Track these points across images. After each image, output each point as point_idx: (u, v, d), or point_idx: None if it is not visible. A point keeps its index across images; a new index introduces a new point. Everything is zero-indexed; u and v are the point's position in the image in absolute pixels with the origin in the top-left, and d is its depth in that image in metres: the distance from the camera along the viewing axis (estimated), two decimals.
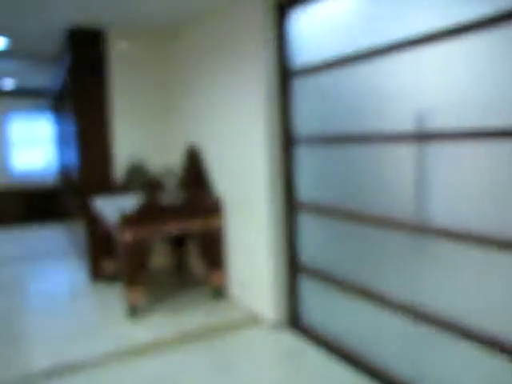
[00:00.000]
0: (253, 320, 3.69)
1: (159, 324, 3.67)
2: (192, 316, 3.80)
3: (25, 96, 8.76)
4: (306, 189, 3.30)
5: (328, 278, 3.09)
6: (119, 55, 4.76)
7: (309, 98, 3.18)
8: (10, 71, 6.40)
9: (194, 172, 4.43)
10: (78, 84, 4.63)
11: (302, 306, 3.46)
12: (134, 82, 4.86)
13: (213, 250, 4.08)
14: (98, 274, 4.82)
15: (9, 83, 7.99)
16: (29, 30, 4.70)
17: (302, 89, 3.24)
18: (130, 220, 3.63)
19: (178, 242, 5.05)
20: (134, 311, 3.77)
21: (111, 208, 4.02)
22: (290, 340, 3.34)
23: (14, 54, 5.63)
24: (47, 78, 6.88)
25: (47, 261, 6.10)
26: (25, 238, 7.70)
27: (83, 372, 2.97)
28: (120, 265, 3.76)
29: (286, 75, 3.34)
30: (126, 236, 3.62)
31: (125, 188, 4.78)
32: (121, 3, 3.88)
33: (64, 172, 7.10)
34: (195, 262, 4.81)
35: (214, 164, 4.25)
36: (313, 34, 3.08)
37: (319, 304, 3.28)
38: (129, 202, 4.12)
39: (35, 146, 9.02)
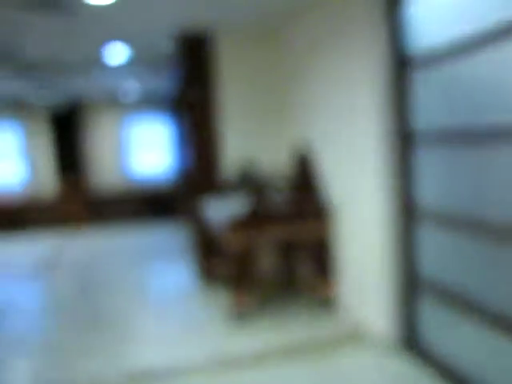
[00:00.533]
0: (362, 337, 3.41)
1: (263, 333, 3.55)
2: (297, 327, 3.62)
3: (145, 101, 9.37)
4: (427, 194, 2.93)
5: (455, 298, 2.69)
6: (226, 57, 4.78)
7: (431, 91, 2.80)
8: (131, 78, 6.83)
9: (304, 174, 4.26)
10: (188, 87, 4.73)
11: (420, 326, 3.08)
12: (241, 84, 4.85)
13: (321, 258, 3.87)
14: (205, 275, 4.87)
15: (131, 89, 8.58)
16: (142, 37, 4.94)
17: (422, 81, 2.87)
18: (238, 225, 3.57)
19: (286, 248, 4.92)
20: (238, 318, 3.71)
21: (218, 211, 4.01)
22: (404, 364, 2.99)
23: (134, 62, 5.98)
24: (165, 83, 7.22)
25: (160, 260, 6.36)
26: (140, 238, 8.16)
27: (182, 377, 2.96)
28: (226, 269, 3.74)
29: (402, 65, 3.01)
30: (234, 241, 3.56)
31: (233, 190, 4.77)
32: (225, 3, 3.86)
33: (178, 174, 7.40)
34: (303, 270, 4.64)
35: (324, 166, 4.03)
36: (433, 14, 2.71)
37: (442, 326, 2.88)
38: (236, 205, 4.08)
39: (154, 150, 9.59)
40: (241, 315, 3.71)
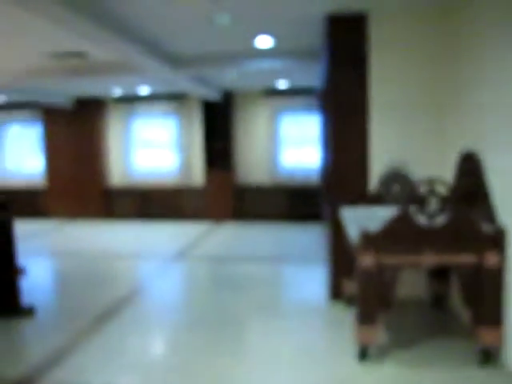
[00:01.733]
0: None
1: (391, 378, 2.92)
2: (439, 380, 2.90)
3: (295, 95, 9.08)
4: None
5: None
6: (381, 43, 4.13)
7: None
8: (277, 70, 6.58)
9: (468, 187, 3.45)
10: (336, 77, 4.22)
11: None
12: (396, 74, 4.16)
13: (485, 295, 3.04)
14: (336, 291, 4.35)
15: (281, 83, 8.37)
16: (290, 26, 4.62)
17: None
18: (373, 240, 2.98)
19: (437, 272, 4.12)
20: (363, 353, 3.12)
21: (356, 221, 3.45)
22: None
23: (279, 53, 5.74)
24: (314, 75, 6.82)
25: (296, 263, 6.04)
26: (282, 237, 7.93)
27: None
28: (356, 291, 3.18)
29: None
30: (366, 259, 2.98)
31: (378, 199, 4.14)
32: None
33: (321, 174, 6.95)
34: (458, 302, 3.81)
35: (497, 180, 3.17)
36: None
37: None
38: (378, 217, 3.47)
39: (303, 145, 9.27)
40: (366, 351, 3.12)
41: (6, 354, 3.49)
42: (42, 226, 9.51)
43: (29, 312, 4.29)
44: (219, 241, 7.66)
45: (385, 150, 4.20)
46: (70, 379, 3.07)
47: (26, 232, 8.64)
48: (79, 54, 5.76)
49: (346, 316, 3.96)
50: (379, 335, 3.17)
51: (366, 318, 3.04)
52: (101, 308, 4.45)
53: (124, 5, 3.96)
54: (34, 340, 3.88)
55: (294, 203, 9.26)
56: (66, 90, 8.89)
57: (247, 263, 6.05)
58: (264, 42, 5.23)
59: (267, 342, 3.59)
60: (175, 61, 6.03)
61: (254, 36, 5.09)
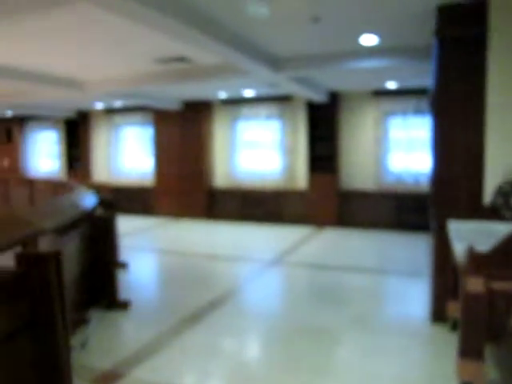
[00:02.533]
0: None
1: None
2: None
3: (405, 95, 8.56)
4: None
5: None
6: (505, 35, 3.64)
7: None
8: (384, 70, 6.21)
9: None
10: (446, 74, 3.83)
11: None
12: None
13: None
14: (440, 313, 3.95)
15: (389, 83, 7.93)
16: (396, 22, 4.34)
17: None
18: (483, 261, 2.60)
19: None
20: None
21: (465, 237, 3.07)
22: None
23: (385, 51, 5.43)
24: (426, 75, 6.34)
25: (399, 276, 5.66)
26: (386, 247, 7.51)
27: None
28: (460, 318, 2.81)
29: None
30: (473, 283, 2.62)
31: (494, 213, 3.67)
32: None
33: (430, 182, 6.43)
34: None
35: None
36: None
37: None
38: (493, 234, 3.05)
39: (413, 150, 8.71)
40: None
41: (98, 345, 3.66)
42: (148, 223, 10.05)
43: (124, 306, 4.49)
44: (319, 247, 7.46)
45: (503, 158, 3.71)
46: (152, 378, 3.12)
47: (133, 228, 9.19)
48: (183, 59, 5.96)
49: (450, 343, 3.56)
50: (486, 372, 2.77)
51: (469, 351, 2.67)
52: (194, 307, 4.51)
53: (225, 10, 4.01)
54: (126, 334, 4.06)
55: (401, 211, 8.73)
56: (173, 94, 9.31)
57: (347, 272, 5.79)
58: (368, 40, 4.98)
59: (359, 362, 3.35)
60: (277, 62, 5.98)
61: (357, 34, 4.86)
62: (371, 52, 5.48)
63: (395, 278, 5.62)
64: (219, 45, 4.45)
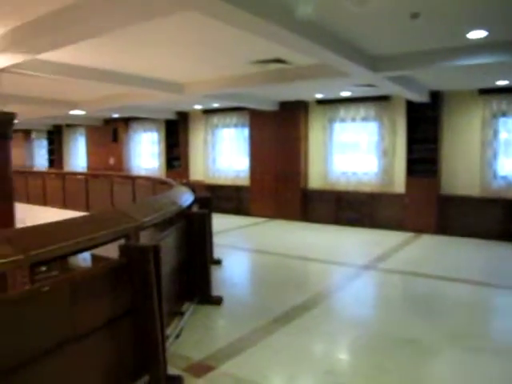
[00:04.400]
0: None
1: None
2: None
3: None
4: None
5: None
6: None
7: None
8: (492, 66, 5.84)
9: None
10: None
11: None
12: None
13: None
14: None
15: (499, 80, 7.44)
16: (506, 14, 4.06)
17: None
18: None
19: None
20: None
21: None
22: None
23: (493, 47, 5.12)
24: None
25: (506, 290, 5.30)
26: (493, 258, 7.07)
27: None
28: None
29: None
30: None
31: None
32: None
33: None
34: None
35: None
36: None
37: None
38: None
39: None
40: None
41: (191, 337, 3.88)
42: (242, 223, 10.35)
43: (217, 302, 4.70)
44: (417, 254, 7.21)
45: None
46: (241, 374, 3.25)
47: (227, 227, 9.52)
48: (280, 61, 6.10)
49: None
50: None
51: None
52: (284, 308, 4.61)
53: (325, 11, 4.06)
54: (218, 329, 4.27)
55: (510, 220, 8.14)
56: (269, 95, 9.52)
57: (447, 283, 5.54)
58: (475, 35, 4.74)
59: (457, 382, 3.21)
60: (376, 62, 5.89)
61: (461, 29, 4.66)
62: (478, 48, 5.20)
63: (504, 293, 5.26)
64: (318, 47, 4.52)
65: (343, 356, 3.75)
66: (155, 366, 2.99)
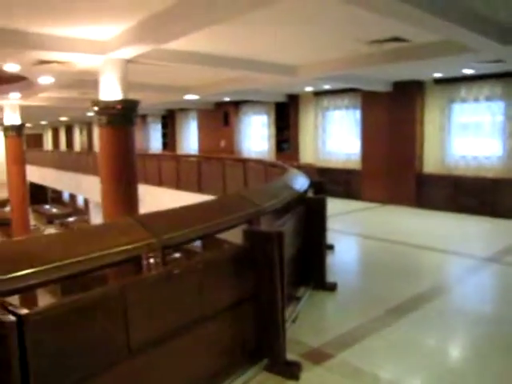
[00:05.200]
0: None
1: None
2: None
3: None
4: None
5: None
6: None
7: None
8: None
9: None
10: None
11: None
12: None
13: None
14: None
15: None
16: None
17: None
18: None
19: None
20: None
21: None
22: None
23: None
24: None
25: None
26: None
27: None
28: None
29: None
30: None
31: None
32: None
33: None
34: None
35: None
36: None
37: None
38: None
39: None
40: None
41: (306, 323, 3.90)
42: (352, 207, 10.16)
43: (331, 288, 4.67)
44: None
45: None
46: (358, 364, 3.20)
47: (337, 211, 9.40)
48: (397, 39, 5.81)
49: None
50: None
51: None
52: (399, 299, 4.46)
53: None
54: (333, 316, 4.25)
55: None
56: (383, 75, 9.15)
57: None
58: None
59: None
60: (508, 34, 5.36)
61: None
62: None
63: None
64: (447, 23, 4.22)
65: (462, 354, 3.56)
66: (275, 351, 3.05)
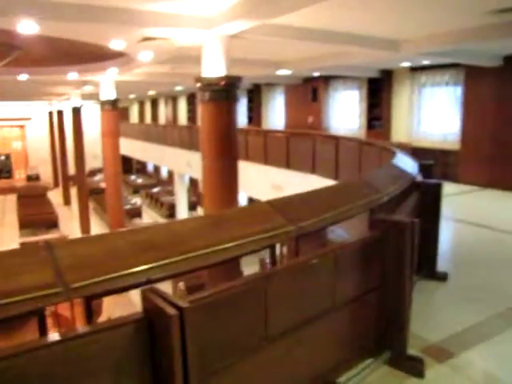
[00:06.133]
0: None
1: None
2: None
3: None
4: None
5: None
6: None
7: None
8: None
9: None
10: None
11: None
12: None
13: None
14: None
15: None
16: None
17: None
18: None
19: None
20: None
21: None
22: None
23: None
24: None
25: None
26: None
27: None
28: None
29: None
30: None
31: None
32: None
33: None
34: None
35: None
36: None
37: None
38: None
39: None
40: None
41: (421, 315, 3.71)
42: (451, 190, 9.60)
43: (443, 278, 4.43)
44: None
45: None
46: (490, 369, 2.99)
47: None
48: None
49: None
50: None
51: None
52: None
53: None
54: (447, 309, 3.99)
55: None
56: (493, 49, 8.43)
57: None
58: None
59: None
60: None
61: None
62: None
63: None
64: None
65: None
66: (398, 344, 2.93)
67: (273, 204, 2.35)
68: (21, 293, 1.52)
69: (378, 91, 12.27)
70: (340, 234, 3.93)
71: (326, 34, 6.79)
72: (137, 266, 1.74)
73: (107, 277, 1.66)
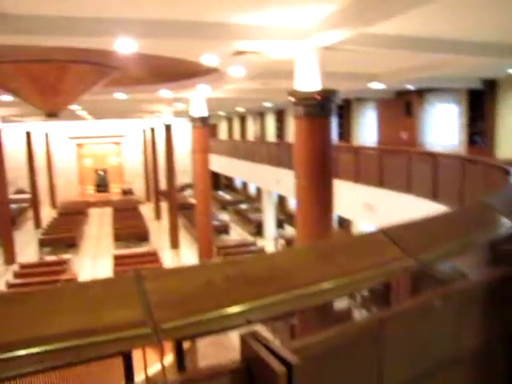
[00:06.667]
0: None
1: None
2: None
3: None
4: None
5: None
6: None
7: None
8: None
9: None
10: None
11: None
12: None
13: None
14: None
15: None
16: None
17: None
18: None
19: None
20: None
21: None
22: None
23: None
24: None
25: None
26: None
27: None
28: None
29: None
30: None
31: None
32: None
33: None
34: None
35: None
36: None
37: None
38: None
39: None
40: None
41: None
42: None
43: None
44: None
45: None
46: None
47: None
48: None
49: None
50: None
51: None
52: None
53: None
54: None
55: None
56: None
57: None
58: None
59: None
60: None
61: None
62: None
63: None
64: None
65: None
66: None
67: (386, 232, 2.01)
68: (104, 332, 1.33)
69: (480, 103, 11.32)
70: (445, 267, 3.47)
71: (430, 42, 6.29)
72: (235, 305, 1.49)
73: (202, 318, 1.43)
